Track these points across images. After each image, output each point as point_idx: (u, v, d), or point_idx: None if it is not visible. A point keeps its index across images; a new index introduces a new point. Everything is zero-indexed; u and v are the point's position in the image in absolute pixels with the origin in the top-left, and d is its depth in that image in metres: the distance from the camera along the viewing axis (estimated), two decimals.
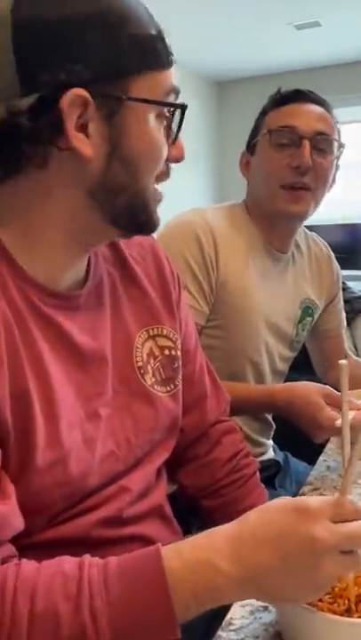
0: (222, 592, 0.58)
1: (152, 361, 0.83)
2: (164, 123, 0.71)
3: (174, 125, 0.72)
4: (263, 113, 1.34)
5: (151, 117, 0.69)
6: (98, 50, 0.64)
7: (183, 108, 0.72)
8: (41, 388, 0.66)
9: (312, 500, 0.60)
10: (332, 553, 0.57)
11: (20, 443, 0.64)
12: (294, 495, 1.12)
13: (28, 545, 0.65)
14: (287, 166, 1.26)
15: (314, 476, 1.10)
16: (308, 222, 1.39)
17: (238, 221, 1.35)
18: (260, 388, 1.30)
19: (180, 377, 0.88)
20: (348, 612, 0.66)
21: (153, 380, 0.82)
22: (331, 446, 1.25)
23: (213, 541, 0.59)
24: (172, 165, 0.76)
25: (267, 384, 1.36)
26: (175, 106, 0.71)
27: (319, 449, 1.23)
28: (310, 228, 1.52)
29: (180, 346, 0.88)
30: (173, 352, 0.87)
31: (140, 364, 0.81)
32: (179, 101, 0.72)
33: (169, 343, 0.87)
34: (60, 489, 0.67)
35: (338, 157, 1.32)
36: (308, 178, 1.26)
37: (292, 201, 1.28)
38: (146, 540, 0.77)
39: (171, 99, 0.71)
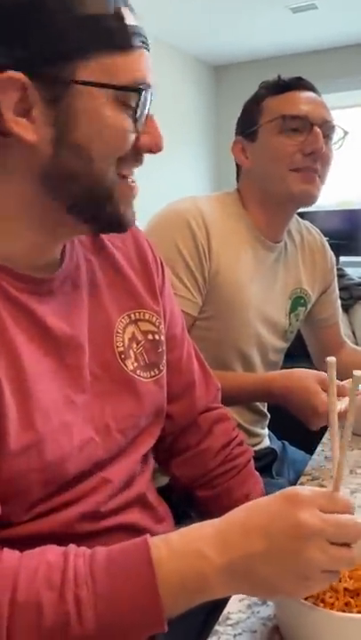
0: (210, 582, 0.57)
1: (135, 345, 0.82)
2: (129, 108, 0.66)
3: (142, 111, 0.67)
4: (259, 99, 1.31)
5: (107, 102, 0.65)
6: (35, 31, 0.61)
7: (139, 91, 0.66)
8: (12, 374, 0.65)
9: (303, 489, 0.60)
10: (318, 540, 0.56)
11: None
12: (294, 484, 1.11)
13: (8, 538, 0.64)
14: (299, 152, 1.24)
15: (312, 466, 1.09)
16: (306, 208, 1.37)
17: (232, 211, 1.33)
18: (255, 377, 1.29)
19: (165, 362, 0.86)
20: (347, 607, 0.65)
21: (135, 364, 0.81)
22: (329, 436, 1.24)
23: (202, 530, 0.59)
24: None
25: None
26: (129, 89, 0.65)
27: (316, 439, 1.22)
28: (310, 213, 1.50)
29: (163, 331, 0.87)
30: (157, 337, 0.85)
31: (122, 349, 0.80)
32: (139, 85, 0.66)
33: (152, 328, 0.85)
34: (36, 474, 0.66)
35: (337, 143, 1.30)
36: (318, 164, 1.26)
37: (304, 181, 1.26)
38: (128, 529, 0.77)
39: (138, 85, 0.66)
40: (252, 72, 4.92)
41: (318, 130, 1.23)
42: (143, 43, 0.67)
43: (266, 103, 1.29)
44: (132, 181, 0.72)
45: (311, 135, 1.23)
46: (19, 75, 0.61)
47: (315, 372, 1.15)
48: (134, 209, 0.74)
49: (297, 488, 0.61)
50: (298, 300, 1.42)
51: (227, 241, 1.27)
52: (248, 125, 1.32)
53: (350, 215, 4.98)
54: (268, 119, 1.27)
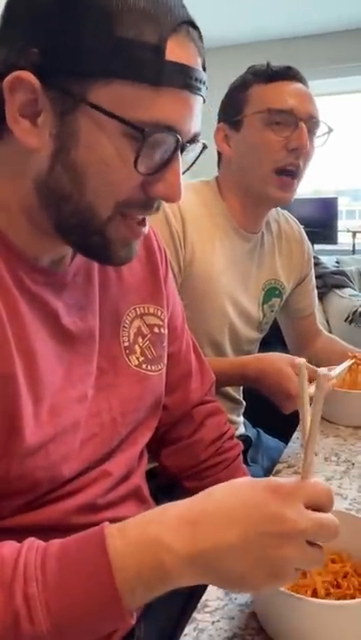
0: (169, 571, 0.52)
1: (140, 340, 0.81)
2: (137, 146, 0.60)
3: (159, 155, 0.63)
4: (246, 85, 1.28)
5: (114, 133, 0.60)
6: (60, 37, 0.57)
7: (143, 131, 0.59)
8: (28, 370, 0.63)
9: (286, 481, 0.56)
10: (298, 538, 0.53)
11: (5, 425, 0.61)
12: (268, 471, 1.12)
13: (1, 528, 0.63)
14: (283, 148, 1.23)
15: (288, 454, 1.10)
16: None
17: (208, 200, 1.32)
18: (230, 360, 1.29)
19: (166, 355, 0.86)
20: (329, 594, 0.66)
21: (142, 359, 0.80)
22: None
23: (164, 515, 0.55)
24: None
25: None
26: (133, 126, 0.59)
27: (290, 427, 1.23)
28: None
29: (167, 324, 0.86)
30: (163, 330, 0.85)
31: (127, 343, 0.79)
32: (163, 126, 0.60)
33: (158, 321, 0.85)
34: (42, 472, 0.65)
35: (320, 138, 1.29)
36: (300, 160, 1.24)
37: (282, 188, 1.26)
38: None
39: (162, 126, 0.60)
40: (232, 56, 4.87)
41: (304, 126, 1.22)
42: (187, 85, 0.61)
43: (252, 91, 1.26)
44: (139, 222, 0.67)
45: (296, 131, 1.21)
46: (29, 77, 0.58)
47: (288, 355, 1.16)
48: (135, 247, 0.69)
49: (279, 479, 0.57)
50: (272, 291, 1.42)
51: (202, 230, 1.26)
52: (233, 113, 1.29)
53: (324, 203, 5.01)
54: (254, 110, 1.25)
